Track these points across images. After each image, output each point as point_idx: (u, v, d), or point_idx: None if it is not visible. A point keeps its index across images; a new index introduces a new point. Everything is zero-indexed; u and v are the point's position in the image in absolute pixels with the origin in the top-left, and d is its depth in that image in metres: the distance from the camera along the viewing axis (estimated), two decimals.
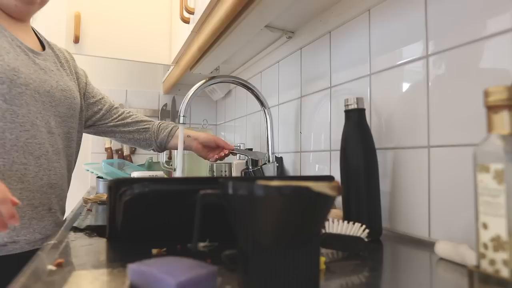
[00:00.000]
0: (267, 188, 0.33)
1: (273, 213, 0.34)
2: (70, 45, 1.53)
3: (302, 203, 0.33)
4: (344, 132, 0.72)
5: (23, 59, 0.86)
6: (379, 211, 0.69)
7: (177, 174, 1.03)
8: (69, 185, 1.00)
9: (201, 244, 0.61)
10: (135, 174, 1.20)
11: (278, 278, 0.34)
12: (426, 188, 0.69)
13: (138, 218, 0.61)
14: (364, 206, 0.68)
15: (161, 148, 1.14)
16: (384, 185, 0.78)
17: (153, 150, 1.15)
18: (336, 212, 0.78)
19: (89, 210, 1.00)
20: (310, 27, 1.11)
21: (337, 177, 0.95)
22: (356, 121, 0.71)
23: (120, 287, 0.40)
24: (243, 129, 1.71)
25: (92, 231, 0.72)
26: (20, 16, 0.91)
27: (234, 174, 1.46)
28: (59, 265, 0.48)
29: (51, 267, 0.47)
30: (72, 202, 1.83)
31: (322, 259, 0.51)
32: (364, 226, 0.59)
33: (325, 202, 0.34)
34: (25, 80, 0.84)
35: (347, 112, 0.72)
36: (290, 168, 1.22)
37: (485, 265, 0.35)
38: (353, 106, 0.71)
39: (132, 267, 0.38)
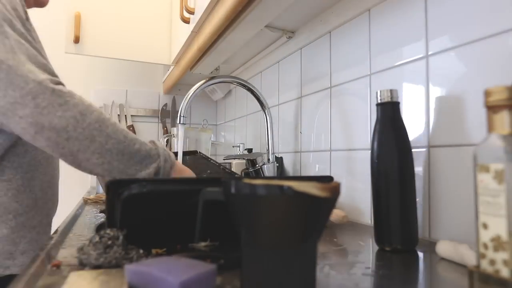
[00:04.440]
0: (240, 185, 0.33)
1: (253, 212, 0.34)
2: (70, 45, 1.53)
3: (282, 202, 0.33)
4: (376, 128, 0.64)
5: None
6: (415, 219, 0.62)
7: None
8: None
9: (202, 244, 0.61)
10: None
11: (271, 278, 0.34)
12: (426, 188, 0.69)
13: (136, 219, 0.61)
14: (397, 213, 0.60)
15: None
16: None
17: None
18: (337, 212, 0.78)
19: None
20: (310, 27, 1.11)
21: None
22: (389, 116, 0.63)
23: (119, 287, 0.40)
24: (243, 129, 1.71)
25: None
26: None
27: None
28: (56, 266, 0.48)
29: (50, 267, 0.47)
30: (73, 202, 1.83)
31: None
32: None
33: (313, 203, 0.33)
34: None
35: (379, 106, 0.64)
36: (290, 168, 1.22)
37: (485, 265, 0.35)
38: (387, 99, 0.63)
39: (129, 267, 0.37)
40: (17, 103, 0.56)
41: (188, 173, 0.75)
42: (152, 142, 0.70)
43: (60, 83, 0.62)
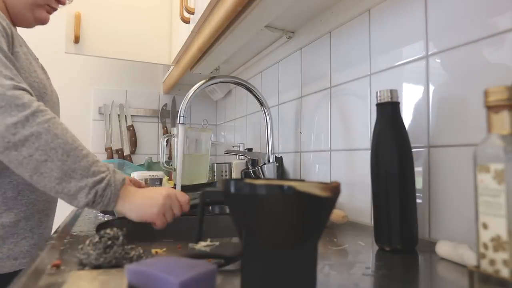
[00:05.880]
0: (241, 185, 0.34)
1: (253, 212, 0.34)
2: (70, 45, 1.52)
3: (283, 202, 0.33)
4: (376, 128, 0.64)
5: (39, 69, 0.85)
6: (415, 219, 0.62)
7: (178, 176, 1.03)
8: None
9: (202, 244, 0.61)
10: (135, 174, 1.20)
11: (271, 278, 0.34)
12: (426, 188, 0.69)
13: None
14: (397, 213, 0.60)
15: None
16: None
17: None
18: (337, 212, 0.78)
19: None
20: (310, 27, 1.11)
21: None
22: (389, 116, 0.63)
23: (119, 287, 0.40)
24: (243, 129, 1.71)
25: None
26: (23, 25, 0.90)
27: (234, 174, 1.46)
28: (56, 266, 0.48)
29: (50, 267, 0.47)
30: None
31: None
32: None
33: (313, 203, 0.33)
34: (48, 96, 0.83)
35: (380, 106, 0.64)
36: (290, 168, 1.22)
37: (485, 265, 0.35)
38: (387, 99, 0.63)
39: (130, 267, 0.37)
40: None
41: (148, 192, 0.70)
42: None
43: (23, 89, 0.64)
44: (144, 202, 0.67)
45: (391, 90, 0.63)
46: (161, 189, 0.70)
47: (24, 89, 0.65)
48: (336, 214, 0.78)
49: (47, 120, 0.62)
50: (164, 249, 0.57)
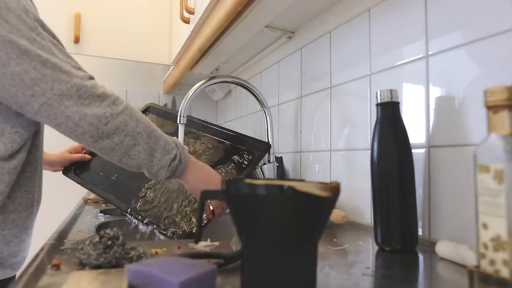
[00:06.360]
0: (241, 185, 0.34)
1: (253, 212, 0.34)
2: (70, 45, 1.53)
3: (283, 202, 0.33)
4: (376, 128, 0.64)
5: None
6: (415, 219, 0.62)
7: None
8: None
9: (202, 244, 0.61)
10: None
11: (271, 278, 0.34)
12: (426, 188, 0.69)
13: None
14: (397, 213, 0.60)
15: None
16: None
17: None
18: (337, 212, 0.78)
19: None
20: (310, 27, 1.11)
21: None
22: (389, 116, 0.63)
23: (119, 287, 0.40)
24: (243, 129, 1.71)
25: None
26: None
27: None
28: (56, 266, 0.48)
29: (50, 267, 0.47)
30: (72, 202, 1.83)
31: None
32: None
33: (313, 203, 0.33)
34: None
35: (379, 106, 0.64)
36: (290, 168, 1.22)
37: (485, 265, 0.35)
38: (387, 99, 0.63)
39: (130, 267, 0.37)
40: (63, 95, 0.63)
41: (209, 170, 0.79)
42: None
43: (93, 78, 0.70)
44: (203, 180, 0.77)
45: (391, 90, 0.63)
46: (216, 175, 0.79)
47: (93, 78, 0.69)
48: (336, 214, 0.78)
49: (125, 107, 0.69)
50: (164, 249, 0.57)
